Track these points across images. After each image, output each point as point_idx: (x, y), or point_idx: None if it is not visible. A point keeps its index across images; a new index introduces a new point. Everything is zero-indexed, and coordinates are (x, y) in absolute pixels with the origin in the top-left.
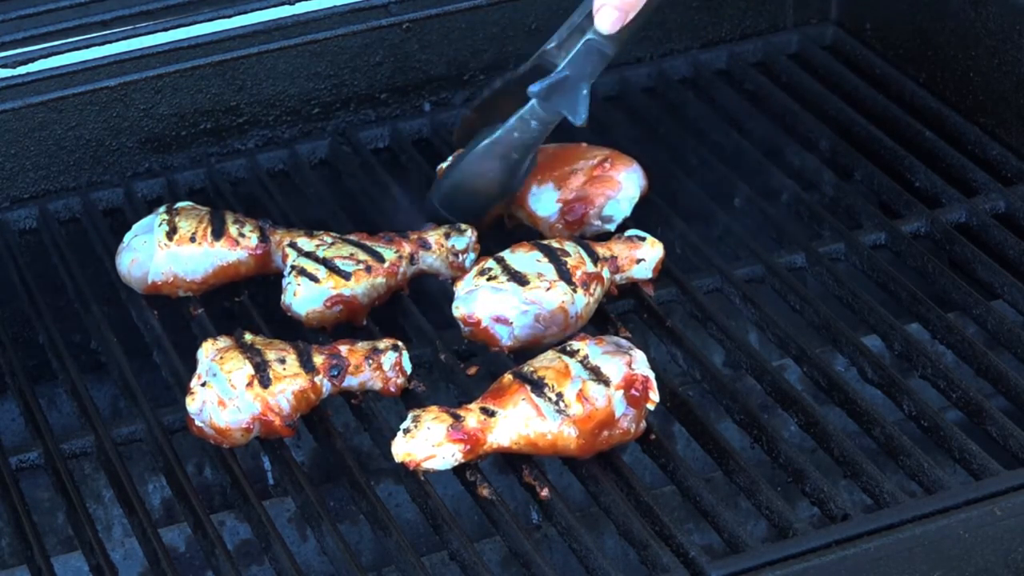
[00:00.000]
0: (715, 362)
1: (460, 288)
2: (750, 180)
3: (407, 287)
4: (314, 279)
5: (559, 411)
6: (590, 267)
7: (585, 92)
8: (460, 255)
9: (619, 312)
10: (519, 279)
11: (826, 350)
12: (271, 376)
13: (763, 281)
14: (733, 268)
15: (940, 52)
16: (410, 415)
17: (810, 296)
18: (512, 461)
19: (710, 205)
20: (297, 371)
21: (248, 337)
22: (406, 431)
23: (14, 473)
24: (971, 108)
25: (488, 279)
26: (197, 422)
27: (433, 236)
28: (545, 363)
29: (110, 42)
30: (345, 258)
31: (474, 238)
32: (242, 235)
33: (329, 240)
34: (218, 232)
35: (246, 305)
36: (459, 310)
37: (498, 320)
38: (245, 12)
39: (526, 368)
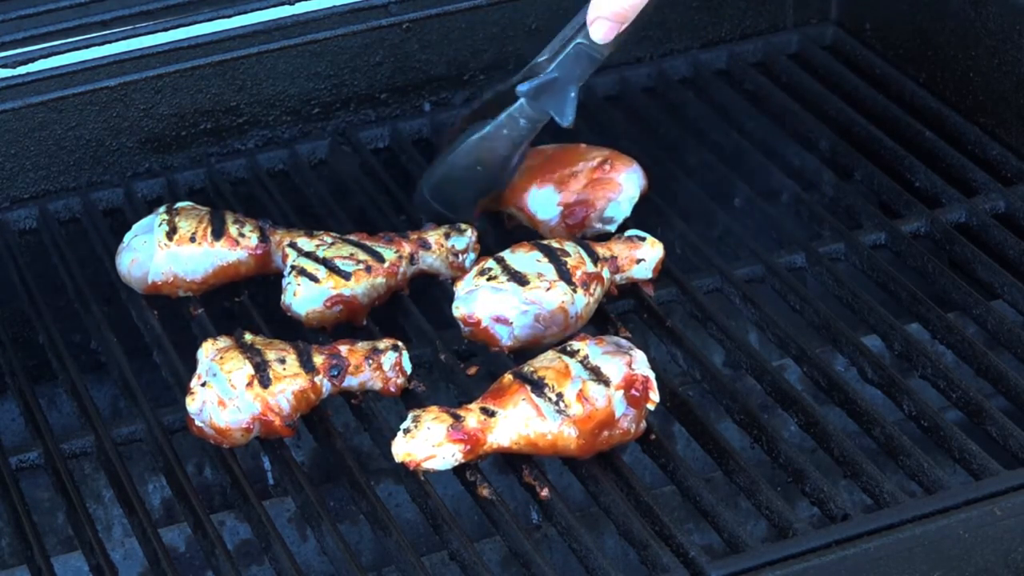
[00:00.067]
0: (715, 362)
1: (460, 288)
2: (750, 180)
3: (407, 287)
4: (314, 279)
5: (559, 411)
6: (590, 267)
7: (573, 94)
8: (460, 255)
9: (619, 312)
10: (519, 279)
11: (826, 350)
12: (271, 376)
13: (763, 281)
14: (733, 268)
15: (940, 52)
16: (410, 415)
17: (810, 296)
18: (512, 461)
19: (710, 205)
20: (297, 371)
21: (248, 337)
22: (406, 431)
23: (14, 473)
24: (971, 108)
25: (488, 279)
26: (197, 422)
27: (433, 236)
28: (545, 363)
29: (110, 42)
30: (345, 258)
31: (474, 238)
32: (242, 235)
33: (329, 240)
34: (218, 232)
35: (246, 305)
36: (459, 310)
37: (498, 320)
38: (245, 12)
39: (526, 368)
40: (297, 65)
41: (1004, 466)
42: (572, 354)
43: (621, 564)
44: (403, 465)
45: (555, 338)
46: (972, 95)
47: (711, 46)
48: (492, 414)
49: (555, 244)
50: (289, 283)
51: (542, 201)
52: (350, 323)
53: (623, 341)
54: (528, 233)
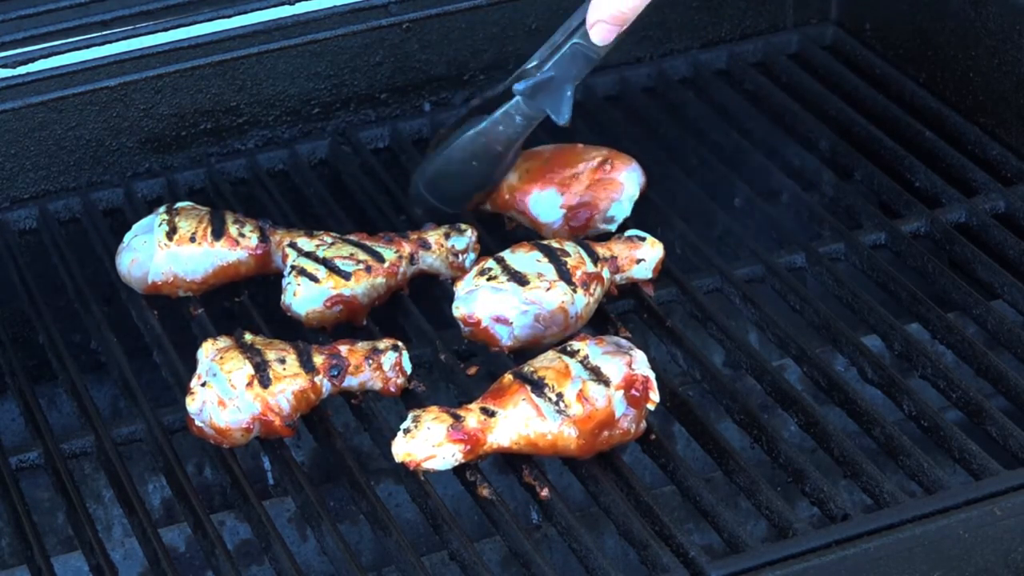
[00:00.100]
0: (715, 362)
1: (460, 288)
2: (750, 180)
3: (407, 287)
4: (314, 279)
5: (559, 411)
6: (590, 267)
7: (569, 93)
8: (460, 255)
9: (619, 312)
10: (519, 279)
11: (826, 350)
12: (271, 376)
13: (763, 281)
14: (733, 268)
15: (940, 52)
16: (410, 415)
17: (810, 296)
18: (512, 461)
19: (710, 205)
20: (297, 371)
21: (248, 337)
22: (406, 431)
23: (14, 473)
24: (971, 108)
25: (488, 279)
26: (197, 422)
27: (433, 236)
28: (545, 363)
29: (110, 42)
30: (345, 258)
31: (474, 238)
32: (242, 235)
33: (329, 240)
34: (218, 232)
35: (246, 305)
36: (459, 310)
37: (498, 320)
38: (245, 12)
39: (526, 368)
40: (297, 65)
41: (1004, 466)
42: (572, 354)
43: (621, 564)
44: (403, 465)
45: (555, 338)
46: (972, 95)
47: (711, 46)
48: (492, 414)
49: (555, 244)
50: (289, 283)
51: (544, 204)
52: (350, 323)
53: (623, 341)
54: (528, 233)
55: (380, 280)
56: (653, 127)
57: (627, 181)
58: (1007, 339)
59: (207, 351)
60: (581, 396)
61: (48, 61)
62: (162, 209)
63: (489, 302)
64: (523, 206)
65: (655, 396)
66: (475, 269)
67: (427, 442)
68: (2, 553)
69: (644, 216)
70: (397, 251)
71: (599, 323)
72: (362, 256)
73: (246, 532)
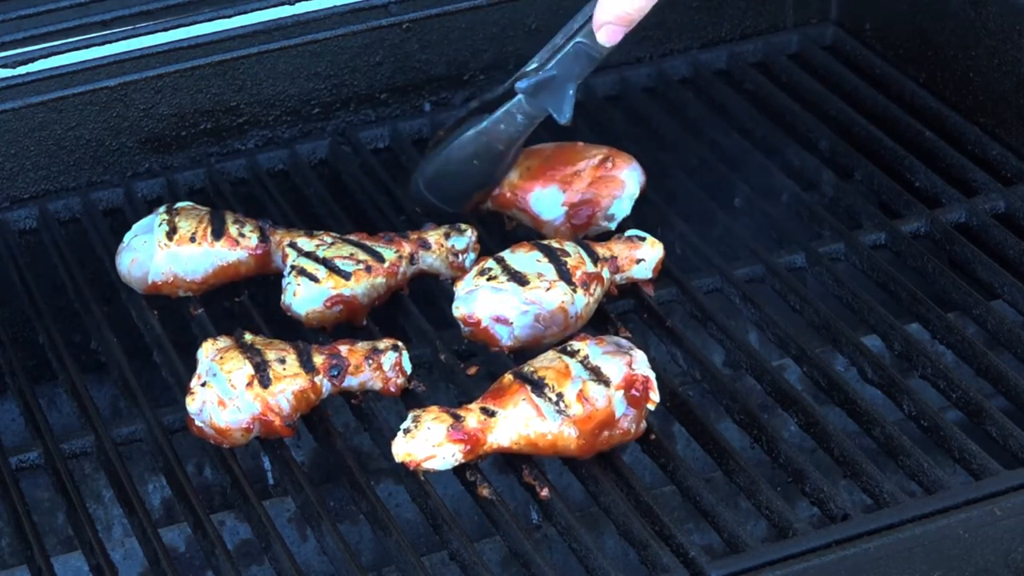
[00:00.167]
0: (715, 362)
1: (460, 288)
2: (750, 180)
3: (407, 287)
4: (314, 279)
5: (559, 411)
6: (590, 267)
7: (571, 92)
8: (460, 255)
9: (619, 312)
10: (519, 279)
11: (826, 350)
12: (271, 376)
13: (763, 281)
14: (733, 268)
15: (940, 52)
16: (410, 415)
17: (810, 296)
18: (512, 461)
19: (710, 205)
20: (297, 371)
21: (248, 337)
22: (406, 431)
23: (14, 473)
24: (971, 108)
25: (488, 279)
26: (197, 422)
27: (433, 236)
28: (545, 363)
29: (110, 42)
30: (345, 258)
31: (474, 238)
32: (242, 235)
33: (329, 240)
34: (218, 232)
35: (246, 305)
36: (459, 310)
37: (498, 320)
38: (245, 12)
39: (526, 368)
40: (297, 65)
41: (1004, 466)
42: (572, 354)
43: (621, 564)
44: (403, 465)
45: (555, 338)
46: (972, 95)
47: (711, 46)
48: (492, 414)
49: (555, 244)
50: (289, 283)
51: (546, 202)
52: (350, 323)
53: (623, 341)
54: (528, 233)
55: (380, 280)
56: (653, 127)
57: (628, 179)
58: (1007, 339)
59: (207, 351)
60: (581, 396)
61: (48, 61)
62: (162, 209)
63: (489, 302)
64: (524, 204)
65: (655, 396)
66: (475, 269)
67: (427, 442)
68: (2, 553)
69: (644, 216)
70: (397, 251)
71: (599, 323)
72: (362, 256)
73: (246, 532)
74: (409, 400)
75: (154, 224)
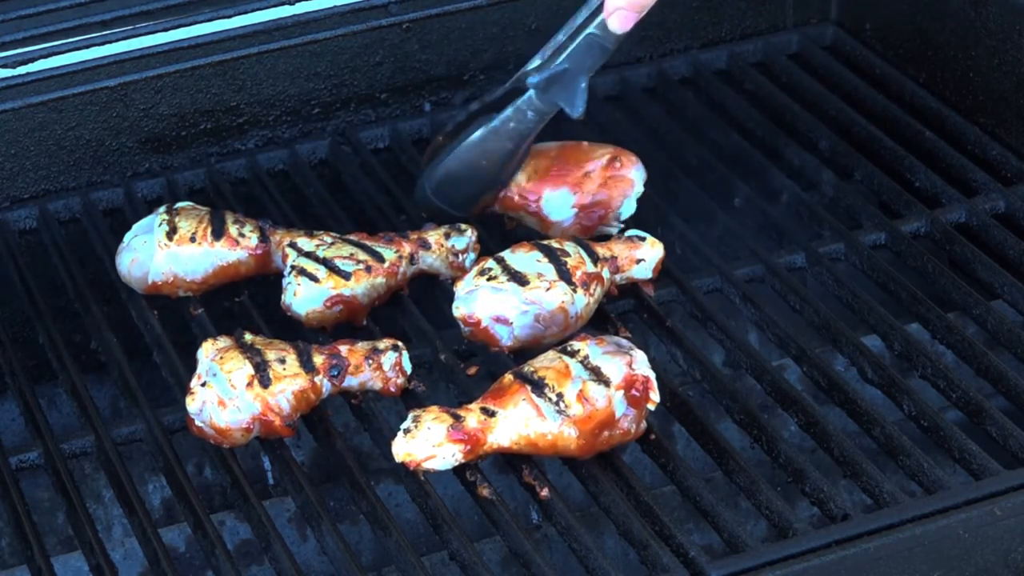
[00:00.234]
0: (715, 362)
1: (460, 288)
2: (750, 180)
3: (407, 287)
4: (314, 279)
5: (559, 411)
6: (590, 267)
7: (584, 85)
8: (460, 255)
9: (619, 312)
10: (519, 279)
11: (826, 350)
12: (271, 376)
13: (763, 281)
14: (733, 268)
15: (940, 52)
16: (410, 415)
17: (810, 296)
18: (512, 461)
19: (710, 205)
20: (297, 371)
21: (248, 337)
22: (406, 431)
23: (14, 473)
24: (971, 108)
25: (488, 279)
26: (197, 422)
27: (433, 236)
28: (545, 363)
29: (110, 42)
30: (345, 258)
31: (474, 238)
32: (242, 235)
33: (329, 240)
34: (218, 232)
35: (246, 305)
36: (459, 310)
37: (498, 320)
38: (245, 12)
39: (526, 368)
40: (297, 65)
41: (1004, 466)
42: (572, 354)
43: (621, 564)
44: (403, 465)
45: (555, 338)
46: (972, 95)
47: (711, 46)
48: (492, 414)
49: (555, 244)
50: (289, 283)
51: (557, 204)
52: (350, 323)
53: (623, 341)
54: (528, 233)
55: (380, 280)
56: (653, 127)
57: (636, 178)
58: (1007, 339)
59: (207, 351)
60: (581, 396)
61: (48, 61)
62: (162, 209)
63: (489, 302)
64: (535, 207)
65: (655, 396)
66: (475, 269)
67: (427, 442)
68: (2, 553)
69: (644, 216)
70: (397, 251)
71: (599, 323)
72: (362, 256)
73: (246, 532)
74: (409, 400)
75: (154, 224)
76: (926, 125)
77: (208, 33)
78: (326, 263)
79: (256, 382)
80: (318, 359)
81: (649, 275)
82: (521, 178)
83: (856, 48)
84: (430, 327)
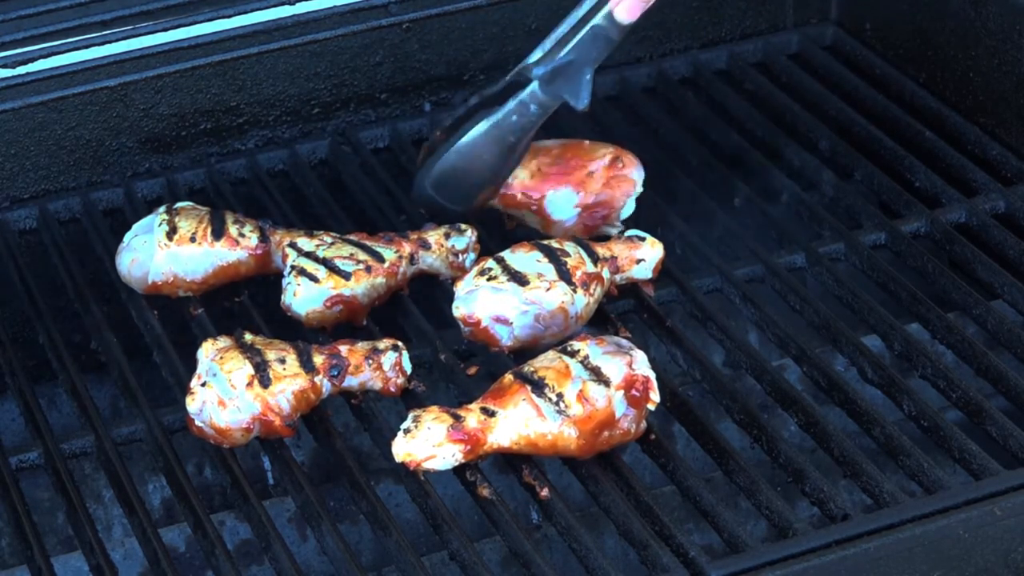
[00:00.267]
0: (715, 362)
1: (460, 288)
2: (750, 180)
3: (407, 287)
4: (314, 279)
5: (559, 411)
6: (590, 267)
7: (588, 77)
8: (460, 255)
9: (619, 312)
10: (519, 279)
11: (826, 350)
12: (271, 376)
13: (763, 281)
14: (733, 268)
15: (940, 52)
16: (410, 415)
17: (810, 296)
18: (512, 461)
19: (710, 205)
20: (297, 371)
21: (248, 337)
22: (406, 431)
23: (14, 473)
24: (971, 108)
25: (488, 279)
26: (197, 422)
27: (433, 236)
28: (545, 363)
29: (110, 42)
30: (345, 258)
31: (474, 238)
32: (242, 235)
33: (329, 240)
34: (218, 232)
35: (246, 305)
36: (459, 310)
37: (498, 320)
38: (245, 12)
39: (526, 368)
40: (297, 65)
41: (1004, 466)
42: (572, 354)
43: (621, 564)
44: (403, 465)
45: (555, 338)
46: (972, 95)
47: (711, 46)
48: (492, 414)
49: (555, 244)
50: (289, 283)
51: (560, 203)
52: (350, 323)
53: (623, 341)
54: (528, 233)
55: (380, 280)
56: (653, 127)
57: (637, 178)
58: (1007, 339)
59: (207, 351)
60: (581, 396)
61: (48, 61)
62: (162, 209)
63: (489, 302)
64: (538, 205)
65: (655, 396)
66: (475, 269)
67: (427, 442)
68: (2, 553)
69: (644, 216)
70: (397, 251)
71: (599, 323)
72: (362, 256)
73: (246, 532)
74: (409, 400)
75: (154, 224)
76: (926, 125)
77: (208, 33)
78: (326, 263)
79: (256, 382)
80: (318, 359)
81: (649, 275)
82: (524, 175)
83: (856, 48)
84: (430, 327)
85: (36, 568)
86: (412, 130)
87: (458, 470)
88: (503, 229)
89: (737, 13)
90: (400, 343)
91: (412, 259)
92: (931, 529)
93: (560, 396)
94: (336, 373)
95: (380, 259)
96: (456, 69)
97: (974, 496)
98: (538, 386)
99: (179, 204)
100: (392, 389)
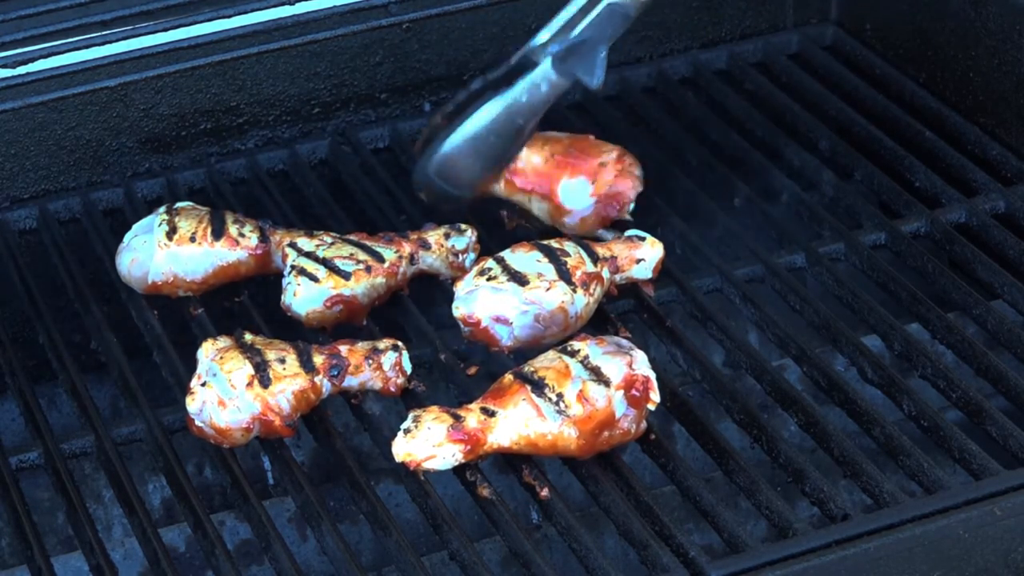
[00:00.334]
0: (715, 362)
1: (460, 288)
2: (750, 180)
3: (407, 287)
4: (314, 279)
5: (559, 411)
6: (590, 267)
7: (603, 55)
8: (460, 255)
9: (619, 312)
10: (519, 279)
11: (826, 350)
12: (271, 376)
13: (763, 281)
14: (733, 268)
15: (940, 52)
16: (410, 415)
17: (810, 296)
18: (512, 461)
19: (710, 205)
20: (297, 371)
21: (248, 337)
22: (406, 431)
23: (14, 473)
24: (971, 108)
25: (488, 279)
26: (197, 422)
27: (433, 236)
28: (545, 363)
29: (110, 42)
30: (345, 258)
31: (474, 238)
32: (242, 235)
33: (329, 240)
34: (218, 232)
35: (246, 305)
36: (459, 310)
37: (498, 320)
38: (245, 12)
39: (526, 368)
40: (297, 65)
41: (1004, 466)
42: (572, 354)
43: (621, 564)
44: (403, 465)
45: (555, 338)
46: (972, 95)
47: (711, 46)
48: (492, 414)
49: (555, 244)
50: (289, 283)
51: (575, 192)
52: (350, 323)
53: (623, 341)
54: (528, 233)
55: (380, 280)
56: (653, 127)
57: (640, 175)
58: (1007, 339)
59: (207, 351)
60: (581, 396)
61: (48, 61)
62: (162, 209)
63: (489, 302)
64: (550, 191)
65: (655, 396)
66: (475, 269)
67: (427, 442)
68: (2, 553)
69: (644, 216)
70: (397, 251)
71: (599, 323)
72: (362, 256)
73: (246, 532)
74: (409, 400)
75: (154, 224)
76: (926, 125)
77: (208, 33)
78: (326, 263)
79: (256, 382)
80: (318, 359)
81: (649, 275)
82: (537, 160)
83: (856, 48)
84: (430, 327)
85: (36, 568)
86: (412, 130)
87: (458, 470)
88: (503, 229)
89: (737, 13)
90: (400, 343)
91: (412, 259)
92: (931, 529)
93: (560, 396)
94: (336, 373)
95: (380, 259)
96: (456, 69)
97: (974, 496)
98: (538, 386)
99: (179, 204)
100: (392, 389)
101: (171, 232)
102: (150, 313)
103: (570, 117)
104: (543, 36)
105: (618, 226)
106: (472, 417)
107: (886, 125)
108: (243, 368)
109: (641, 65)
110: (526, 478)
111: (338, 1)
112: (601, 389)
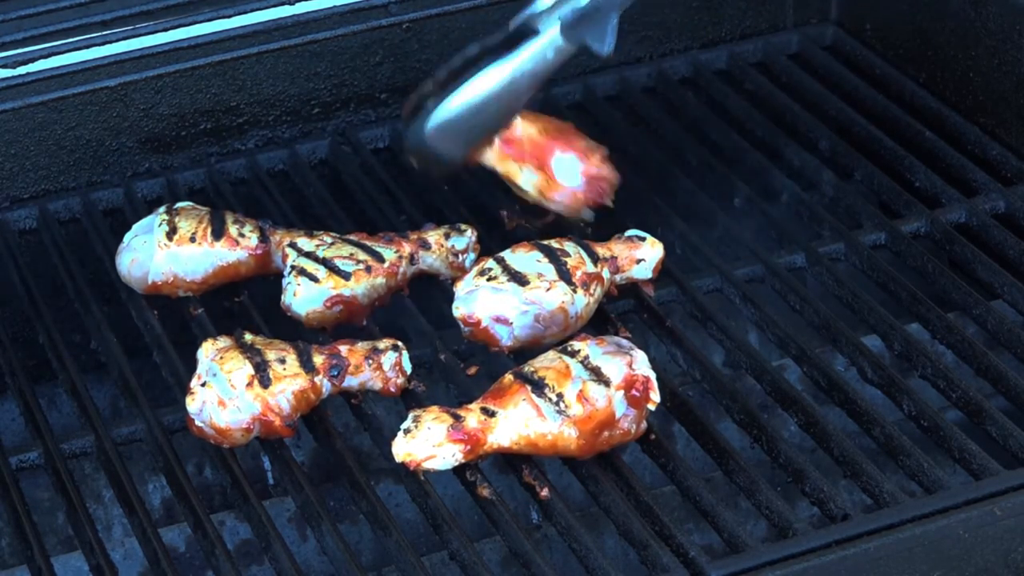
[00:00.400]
0: (715, 362)
1: (460, 288)
2: (750, 180)
3: (407, 287)
4: (314, 279)
5: (559, 411)
6: (590, 267)
7: (615, 22)
8: (460, 255)
9: (619, 312)
10: (519, 279)
11: (826, 350)
12: (271, 376)
13: (763, 281)
14: (733, 268)
15: (940, 52)
16: (410, 415)
17: (810, 296)
18: (512, 461)
19: (710, 205)
20: (297, 371)
21: (248, 337)
22: (406, 431)
23: (14, 473)
24: (971, 108)
25: (488, 279)
26: (197, 422)
27: (433, 236)
28: (545, 363)
29: (110, 42)
30: (345, 258)
31: (474, 238)
32: (242, 235)
33: (329, 240)
34: (218, 232)
35: (246, 305)
36: (459, 310)
37: (498, 320)
38: (245, 12)
39: (526, 368)
40: (297, 65)
41: (1004, 466)
42: (572, 354)
43: (621, 564)
44: (403, 465)
45: (555, 338)
46: (972, 95)
47: (711, 46)
48: (492, 414)
49: (555, 244)
50: (289, 283)
51: (566, 167)
52: (350, 323)
53: (623, 341)
54: (528, 233)
55: (380, 280)
56: (653, 127)
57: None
58: (1007, 339)
59: (207, 351)
60: (581, 396)
61: (48, 61)
62: (162, 209)
63: (489, 302)
64: (544, 161)
65: (655, 396)
66: (475, 269)
67: (427, 442)
68: (2, 553)
69: (644, 216)
70: (397, 251)
71: (599, 323)
72: (362, 256)
73: (246, 532)
74: (409, 400)
75: (154, 224)
76: (926, 125)
77: (208, 33)
78: (326, 263)
79: (256, 382)
80: (318, 359)
81: (649, 275)
82: (532, 130)
83: (856, 48)
84: (430, 327)
85: (36, 568)
86: None
87: (458, 470)
88: (503, 229)
89: (737, 13)
90: (400, 343)
91: (412, 259)
92: (931, 529)
93: (560, 396)
94: (336, 373)
95: (380, 259)
96: None
97: (974, 496)
98: (538, 386)
99: (179, 204)
100: (392, 389)
101: (171, 232)
102: (150, 313)
103: (570, 117)
104: (545, 1)
105: (602, 213)
106: (472, 417)
107: (886, 125)
108: (243, 368)
109: (641, 65)
110: (526, 478)
111: (338, 1)
112: (601, 389)
